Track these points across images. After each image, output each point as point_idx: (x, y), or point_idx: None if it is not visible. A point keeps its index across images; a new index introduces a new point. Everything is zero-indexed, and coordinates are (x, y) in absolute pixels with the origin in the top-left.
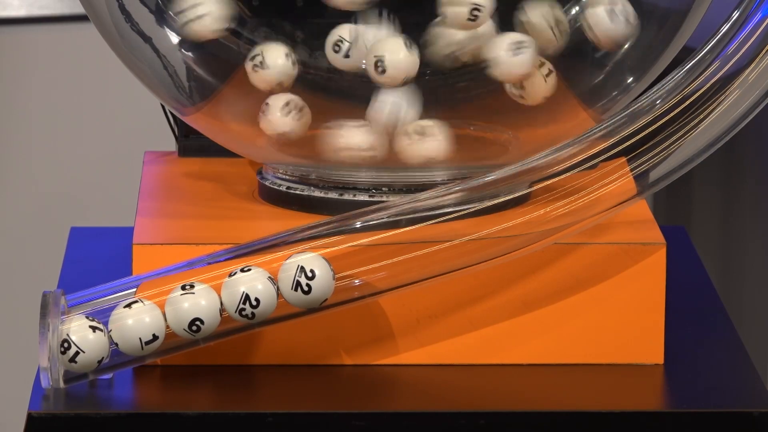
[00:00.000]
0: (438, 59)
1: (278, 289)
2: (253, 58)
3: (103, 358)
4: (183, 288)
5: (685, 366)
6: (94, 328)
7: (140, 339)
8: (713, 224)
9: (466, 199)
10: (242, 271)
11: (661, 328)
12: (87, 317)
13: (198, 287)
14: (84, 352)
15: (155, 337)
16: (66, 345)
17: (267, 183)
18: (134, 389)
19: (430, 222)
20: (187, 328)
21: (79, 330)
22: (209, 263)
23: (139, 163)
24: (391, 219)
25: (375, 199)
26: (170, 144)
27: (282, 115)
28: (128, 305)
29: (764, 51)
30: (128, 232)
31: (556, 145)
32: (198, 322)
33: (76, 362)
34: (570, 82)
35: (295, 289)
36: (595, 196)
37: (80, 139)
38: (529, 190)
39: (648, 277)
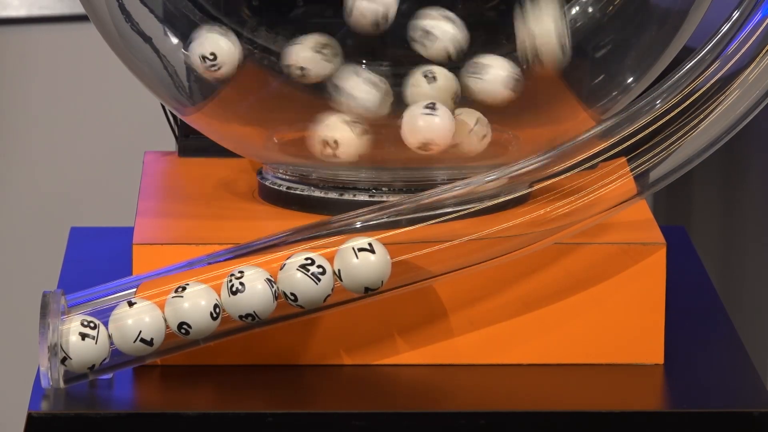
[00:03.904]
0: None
1: (277, 290)
2: None
3: (94, 365)
4: (176, 290)
5: (685, 366)
6: (84, 336)
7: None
8: (713, 224)
9: (466, 199)
10: (240, 272)
11: (661, 328)
12: (82, 323)
13: (189, 290)
14: (71, 358)
15: (151, 341)
16: (55, 350)
17: (267, 183)
18: (134, 389)
19: (430, 222)
20: (177, 330)
21: (68, 335)
22: (209, 263)
23: (139, 163)
24: (391, 219)
25: (375, 199)
26: (170, 144)
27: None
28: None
29: (764, 51)
30: (128, 232)
31: (556, 145)
32: (186, 326)
33: (65, 365)
34: (570, 82)
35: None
36: (595, 196)
37: (80, 139)
38: (529, 190)
39: (648, 277)
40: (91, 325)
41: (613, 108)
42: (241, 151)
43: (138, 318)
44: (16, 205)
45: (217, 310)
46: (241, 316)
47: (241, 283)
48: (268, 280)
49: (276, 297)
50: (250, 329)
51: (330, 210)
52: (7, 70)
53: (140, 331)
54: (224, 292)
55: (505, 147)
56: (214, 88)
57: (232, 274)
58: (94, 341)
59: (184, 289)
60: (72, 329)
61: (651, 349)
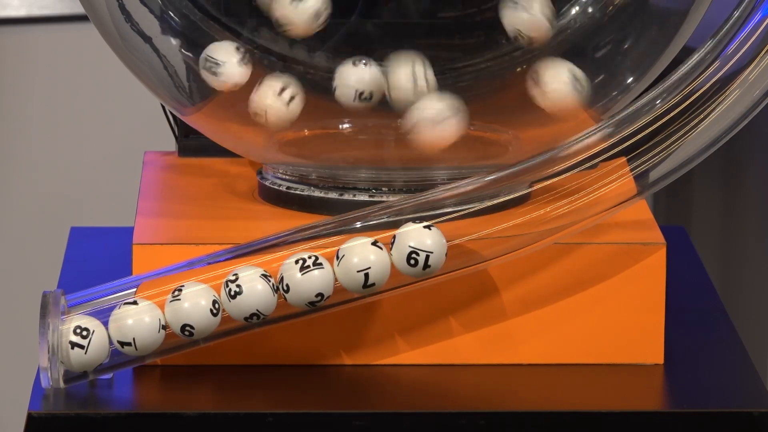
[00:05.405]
0: None
1: (277, 288)
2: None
3: (86, 372)
4: (173, 293)
5: (685, 366)
6: (73, 345)
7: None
8: (713, 224)
9: (466, 199)
10: (234, 275)
11: (661, 328)
12: (74, 331)
13: (186, 290)
14: (63, 363)
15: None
16: (55, 350)
17: (267, 183)
18: (134, 389)
19: (430, 222)
20: (180, 333)
21: (62, 341)
22: (209, 263)
23: (139, 163)
24: (391, 219)
25: (375, 199)
26: (170, 144)
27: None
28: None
29: (764, 51)
30: (128, 232)
31: (556, 145)
32: (189, 328)
33: (63, 363)
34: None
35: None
36: (595, 196)
37: (80, 139)
38: (529, 190)
39: (648, 277)
40: (83, 333)
41: (613, 108)
42: (241, 151)
43: (138, 318)
44: (16, 205)
45: (216, 306)
46: (246, 318)
47: (238, 286)
48: (264, 275)
49: (275, 291)
50: (252, 329)
51: (330, 210)
52: (7, 70)
53: (159, 319)
54: (224, 297)
55: (505, 147)
56: (214, 88)
57: (228, 279)
58: (84, 351)
59: (180, 290)
60: (64, 335)
61: (651, 349)
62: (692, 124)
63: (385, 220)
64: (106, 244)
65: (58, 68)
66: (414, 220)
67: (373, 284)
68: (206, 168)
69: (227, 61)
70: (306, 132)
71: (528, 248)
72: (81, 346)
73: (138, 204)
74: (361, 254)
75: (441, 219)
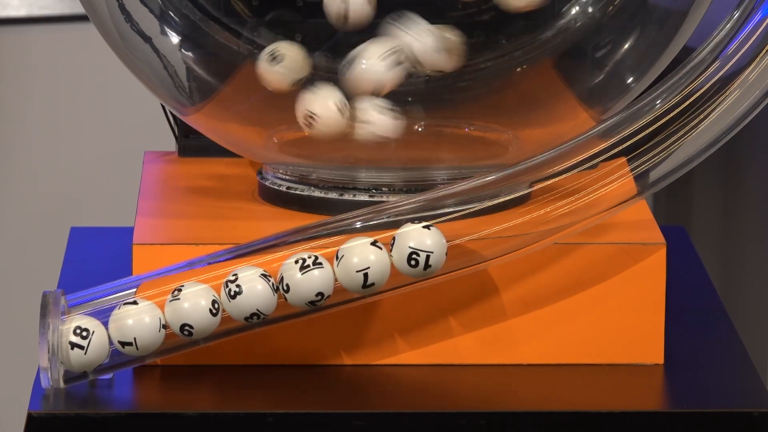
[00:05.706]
0: None
1: (277, 287)
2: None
3: (86, 372)
4: (173, 293)
5: (685, 366)
6: (73, 345)
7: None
8: (713, 224)
9: (466, 199)
10: (235, 275)
11: (661, 328)
12: (74, 331)
13: (185, 290)
14: (63, 363)
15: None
16: (55, 350)
17: (267, 183)
18: (134, 389)
19: (430, 222)
20: (179, 332)
21: (62, 341)
22: (209, 263)
23: (139, 163)
24: (391, 219)
25: (375, 199)
26: (170, 144)
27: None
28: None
29: (764, 51)
30: (128, 232)
31: (556, 145)
32: (188, 327)
33: (63, 363)
34: (570, 82)
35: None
36: (595, 196)
37: (80, 139)
38: (529, 190)
39: (648, 277)
40: (83, 333)
41: (613, 108)
42: (241, 151)
43: (138, 318)
44: (16, 205)
45: (216, 306)
46: (246, 318)
47: (238, 286)
48: (263, 275)
49: (275, 291)
50: (252, 329)
51: (330, 210)
52: (7, 70)
53: (160, 318)
54: (224, 297)
55: (505, 147)
56: (214, 88)
57: (228, 280)
58: (84, 351)
59: (180, 290)
60: (64, 336)
61: (651, 349)
62: (692, 124)
63: (385, 220)
64: (106, 244)
65: (58, 68)
66: (414, 220)
67: (373, 284)
68: (206, 168)
69: (378, 120)
70: (306, 132)
71: (528, 248)
72: (81, 347)
73: (138, 204)
74: (361, 254)
75: (441, 219)
